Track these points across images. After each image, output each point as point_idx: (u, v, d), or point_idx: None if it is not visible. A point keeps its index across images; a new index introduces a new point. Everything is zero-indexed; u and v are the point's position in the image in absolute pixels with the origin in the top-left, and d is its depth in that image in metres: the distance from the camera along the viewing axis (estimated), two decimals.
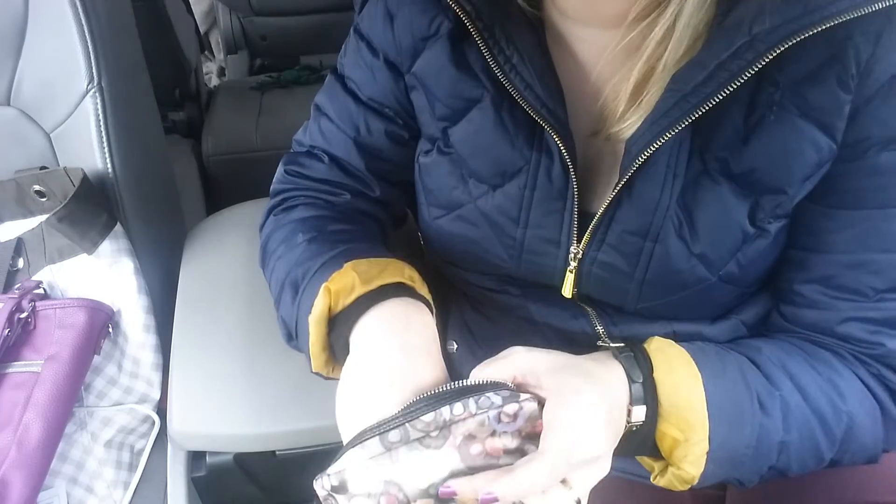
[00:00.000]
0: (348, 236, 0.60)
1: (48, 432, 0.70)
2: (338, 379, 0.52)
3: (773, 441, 0.50)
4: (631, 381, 0.49)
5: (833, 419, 0.51)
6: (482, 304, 0.68)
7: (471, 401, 0.44)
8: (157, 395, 0.83)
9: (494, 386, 0.46)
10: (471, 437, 0.45)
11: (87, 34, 0.76)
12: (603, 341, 0.58)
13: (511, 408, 0.45)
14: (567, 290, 0.58)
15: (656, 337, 0.53)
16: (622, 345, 0.52)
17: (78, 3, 0.75)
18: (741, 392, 0.50)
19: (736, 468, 0.50)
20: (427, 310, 0.54)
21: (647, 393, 0.49)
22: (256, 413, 0.67)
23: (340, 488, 0.44)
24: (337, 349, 0.53)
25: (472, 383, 0.46)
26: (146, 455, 0.81)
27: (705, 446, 0.48)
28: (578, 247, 0.55)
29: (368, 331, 0.51)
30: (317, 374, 0.56)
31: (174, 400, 0.69)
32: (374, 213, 0.66)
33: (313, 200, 0.65)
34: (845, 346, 0.54)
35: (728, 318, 0.58)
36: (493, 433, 0.45)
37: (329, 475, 0.44)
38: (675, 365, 0.50)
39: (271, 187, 0.69)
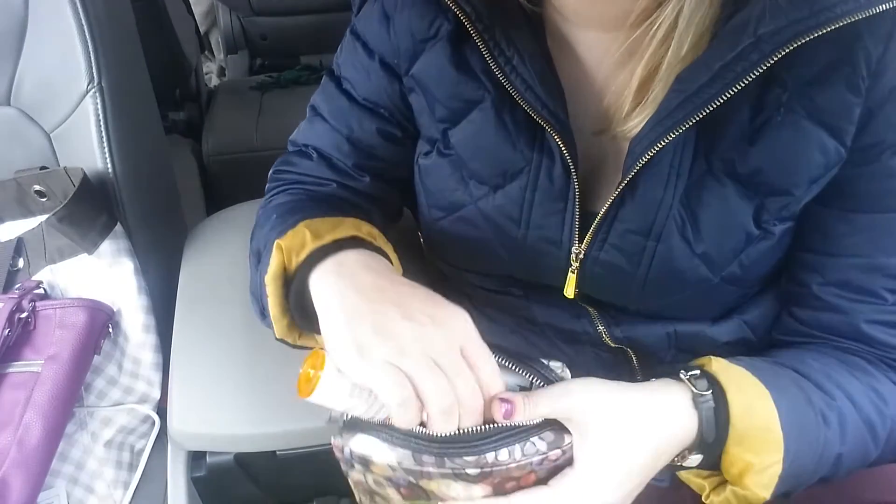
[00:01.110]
0: (324, 207, 0.59)
1: (48, 432, 0.70)
2: (307, 347, 0.52)
3: (832, 454, 0.49)
4: (700, 405, 0.47)
5: (880, 425, 0.51)
6: (484, 305, 0.68)
7: (517, 448, 0.43)
8: (157, 394, 0.83)
9: (539, 428, 0.44)
10: (509, 478, 0.44)
11: (87, 34, 0.76)
12: (606, 341, 0.58)
13: (555, 454, 0.44)
14: (569, 291, 0.58)
15: (712, 357, 0.51)
16: (688, 368, 0.49)
17: (78, 3, 0.75)
18: (805, 407, 0.48)
19: (798, 485, 0.49)
20: (386, 260, 0.52)
21: (719, 416, 0.47)
22: (257, 413, 0.67)
23: (362, 461, 0.45)
24: (296, 312, 0.52)
25: (519, 426, 0.44)
26: (146, 455, 0.81)
27: (779, 468, 0.47)
28: (580, 247, 0.55)
29: (324, 281, 0.48)
30: (281, 341, 0.55)
31: (174, 400, 0.69)
32: (360, 203, 0.64)
33: (296, 189, 0.65)
34: (869, 349, 0.54)
35: (730, 318, 0.58)
36: (531, 472, 0.44)
37: (352, 451, 0.44)
38: (743, 385, 0.48)
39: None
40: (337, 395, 0.44)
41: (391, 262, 0.53)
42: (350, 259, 0.49)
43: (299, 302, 0.51)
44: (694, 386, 0.47)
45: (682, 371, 0.49)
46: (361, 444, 0.45)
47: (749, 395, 0.47)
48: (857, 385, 0.51)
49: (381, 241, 0.54)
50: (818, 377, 0.50)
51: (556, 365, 0.49)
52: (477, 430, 0.44)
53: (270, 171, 0.69)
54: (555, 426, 0.45)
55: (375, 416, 0.45)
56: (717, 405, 0.47)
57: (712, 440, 0.47)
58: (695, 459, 0.48)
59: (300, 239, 0.51)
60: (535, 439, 0.44)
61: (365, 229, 0.54)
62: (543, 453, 0.43)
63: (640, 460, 0.45)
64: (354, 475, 0.46)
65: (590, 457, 0.44)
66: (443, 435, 0.43)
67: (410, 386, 0.42)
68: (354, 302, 0.45)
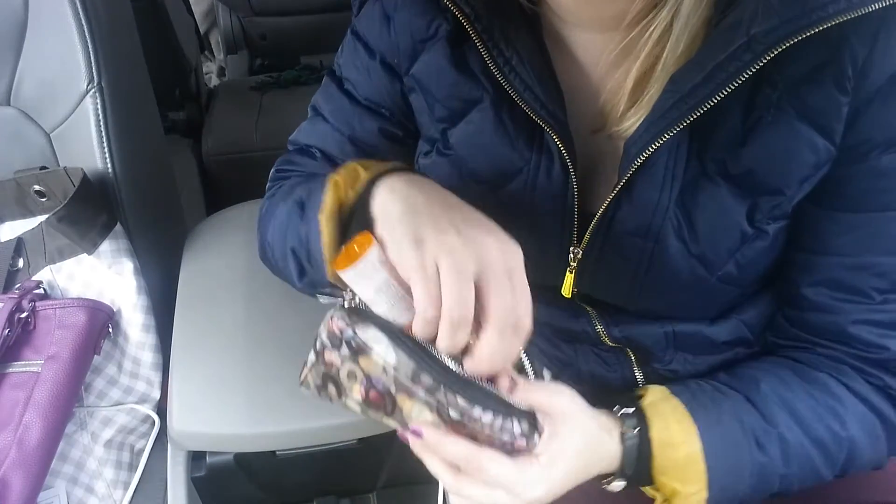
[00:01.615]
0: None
1: (48, 432, 0.70)
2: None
3: (773, 475, 0.52)
4: (625, 442, 0.51)
5: (833, 446, 0.52)
6: None
7: (500, 418, 0.46)
8: (157, 395, 0.83)
9: (523, 413, 0.47)
10: (474, 440, 0.46)
11: (87, 34, 0.76)
12: (602, 340, 0.58)
13: (520, 442, 0.46)
14: (567, 290, 0.58)
15: (651, 388, 0.55)
16: (624, 402, 0.54)
17: (78, 3, 0.75)
18: (738, 438, 0.52)
19: (738, 502, 0.52)
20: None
21: (642, 451, 0.51)
22: (256, 413, 0.67)
23: (356, 349, 0.45)
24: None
25: (511, 402, 0.47)
26: (146, 455, 0.81)
27: (704, 494, 0.51)
28: (578, 247, 0.55)
29: (388, 187, 0.47)
30: (334, 285, 0.53)
31: (174, 400, 0.69)
32: None
33: (299, 178, 0.64)
34: (850, 352, 0.54)
35: (728, 317, 0.58)
36: (493, 445, 0.47)
37: (355, 335, 0.45)
38: (670, 421, 0.52)
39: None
40: (368, 281, 0.44)
41: None
42: (413, 176, 0.48)
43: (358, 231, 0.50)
44: (623, 423, 0.52)
45: (616, 406, 0.53)
46: (370, 334, 0.45)
47: (672, 431, 0.52)
48: (811, 407, 0.53)
49: None
50: (766, 404, 0.53)
51: (547, 374, 0.53)
52: (481, 382, 0.46)
53: (272, 171, 0.69)
54: (533, 421, 0.47)
55: (393, 320, 0.46)
56: (641, 441, 0.52)
57: (632, 472, 0.52)
58: (618, 485, 0.53)
59: (354, 174, 0.49)
60: (515, 420, 0.46)
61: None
62: (513, 436, 0.46)
63: (575, 471, 0.49)
64: (331, 356, 0.46)
65: (553, 453, 0.47)
66: (452, 367, 0.45)
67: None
68: (420, 201, 0.45)
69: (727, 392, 0.54)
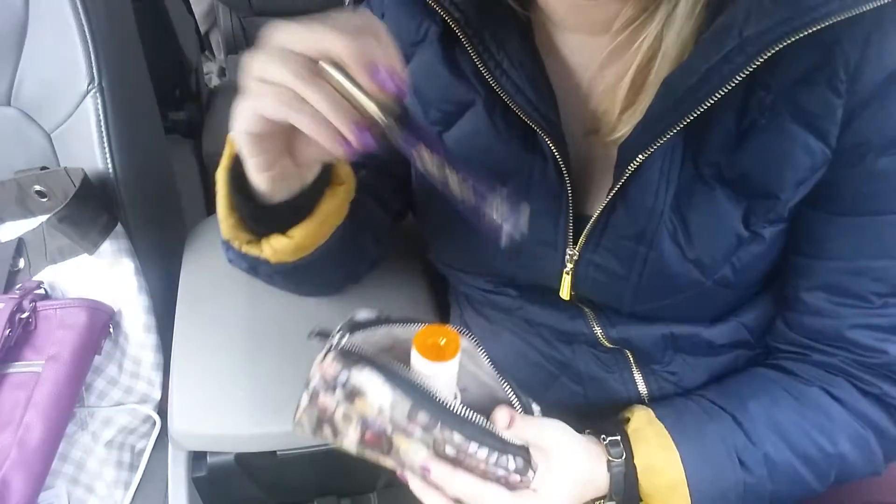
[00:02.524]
0: None
1: (49, 432, 0.70)
2: (252, 256, 0.53)
3: (763, 492, 0.53)
4: (612, 469, 0.53)
5: (823, 462, 0.53)
6: (481, 305, 0.68)
7: (495, 454, 0.46)
8: (157, 395, 0.83)
9: (518, 449, 0.48)
10: (469, 469, 0.47)
11: (87, 34, 0.76)
12: (601, 341, 0.58)
13: (514, 478, 0.47)
14: (564, 292, 0.58)
15: (637, 412, 0.56)
16: (609, 430, 0.55)
17: (78, 3, 0.75)
18: (722, 460, 0.52)
19: None
20: None
21: (628, 477, 0.53)
22: (257, 413, 0.67)
23: (350, 392, 0.45)
24: (246, 211, 0.51)
25: (505, 438, 0.48)
26: (147, 455, 0.81)
27: None
28: (574, 249, 0.55)
29: None
30: (228, 244, 0.55)
31: (175, 400, 0.69)
32: (358, 198, 0.63)
33: None
34: (848, 357, 0.54)
35: (727, 319, 0.58)
36: (487, 478, 0.47)
37: (349, 379, 0.45)
38: (652, 446, 0.53)
39: None
40: (445, 377, 0.46)
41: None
42: None
43: (250, 201, 0.50)
44: (609, 452, 0.53)
45: (602, 435, 0.54)
46: (365, 376, 0.45)
47: (656, 457, 0.53)
48: (799, 425, 0.54)
49: None
50: (752, 423, 0.54)
51: (536, 408, 0.53)
52: (476, 418, 0.46)
53: None
54: (527, 456, 0.48)
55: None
56: (627, 468, 0.53)
57: (622, 496, 0.53)
58: None
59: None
60: (510, 456, 0.47)
61: None
62: (508, 471, 0.47)
63: (570, 500, 0.51)
64: (325, 399, 0.46)
65: (550, 486, 0.49)
66: (448, 405, 0.45)
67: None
68: None
69: (713, 413, 0.55)
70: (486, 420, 0.47)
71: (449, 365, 0.45)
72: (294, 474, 0.74)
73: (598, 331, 0.60)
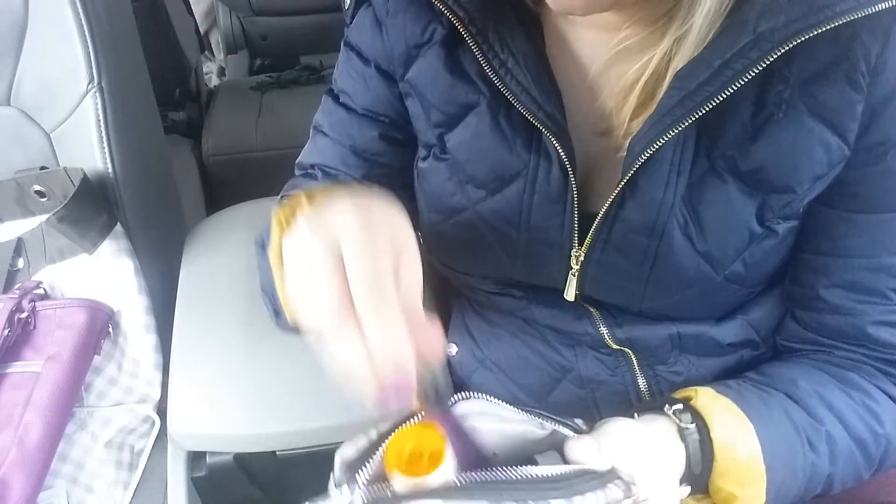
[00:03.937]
0: None
1: (48, 432, 0.70)
2: None
3: (821, 475, 0.51)
4: (687, 438, 0.47)
5: (873, 444, 0.52)
6: (484, 307, 0.68)
7: (601, 493, 0.40)
8: (157, 395, 0.83)
9: (610, 474, 0.42)
10: None
11: (87, 34, 0.76)
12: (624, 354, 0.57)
13: (629, 502, 0.42)
14: (570, 294, 0.57)
15: (699, 389, 0.51)
16: (672, 401, 0.50)
17: (78, 3, 0.75)
18: (791, 435, 0.50)
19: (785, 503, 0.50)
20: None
21: (704, 451, 0.48)
22: (256, 413, 0.67)
23: None
24: None
25: (598, 470, 0.42)
26: (146, 455, 0.81)
27: (763, 499, 0.48)
28: (580, 249, 0.55)
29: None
30: (294, 329, 0.48)
31: (174, 400, 0.69)
32: None
33: None
34: (869, 354, 0.54)
35: (734, 318, 0.58)
36: None
37: None
38: (727, 418, 0.49)
39: None
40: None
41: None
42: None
43: None
44: (679, 419, 0.48)
45: (665, 405, 0.49)
46: None
47: (732, 429, 0.48)
48: (850, 405, 0.52)
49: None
50: (809, 401, 0.51)
51: (579, 421, 0.47)
52: (558, 472, 0.41)
53: (279, 198, 0.66)
54: (617, 474, 0.43)
55: None
56: (702, 438, 0.48)
57: (699, 472, 0.48)
58: (684, 491, 0.49)
59: (296, 203, 0.45)
60: (611, 485, 0.41)
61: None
62: (621, 499, 0.41)
63: (674, 479, 0.47)
64: None
65: (656, 486, 0.44)
66: (522, 476, 0.39)
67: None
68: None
69: (769, 391, 0.52)
70: (562, 467, 0.41)
71: (447, 466, 0.38)
72: (294, 474, 0.74)
73: (604, 331, 0.60)
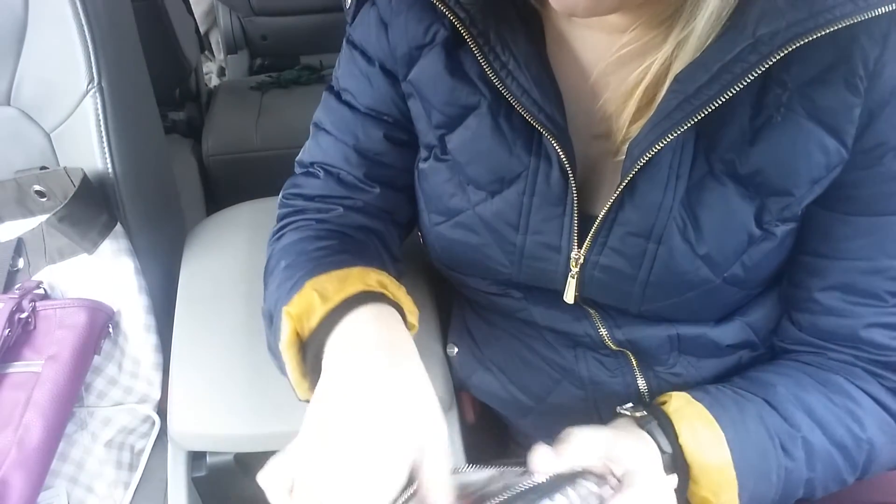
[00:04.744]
0: (328, 252, 0.56)
1: (48, 432, 0.70)
2: None
3: (799, 480, 0.51)
4: (661, 451, 0.49)
5: (854, 448, 0.52)
6: (484, 308, 0.68)
7: (570, 491, 0.42)
8: (157, 395, 0.83)
9: (581, 473, 0.44)
10: None
11: (87, 34, 0.76)
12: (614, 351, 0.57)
13: (606, 491, 0.44)
14: (569, 296, 0.57)
15: (673, 394, 0.53)
16: (643, 413, 0.52)
17: (78, 3, 0.75)
18: (764, 441, 0.51)
19: None
20: (397, 314, 0.50)
21: (677, 460, 0.49)
22: (257, 413, 0.67)
23: None
24: (315, 375, 0.50)
25: (562, 472, 0.44)
26: (146, 455, 0.81)
27: (736, 503, 0.50)
28: (580, 251, 0.55)
29: (334, 353, 0.47)
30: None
31: (174, 400, 0.69)
32: (369, 224, 0.63)
33: (302, 223, 0.62)
34: (862, 355, 0.54)
35: (732, 319, 0.58)
36: None
37: None
38: (697, 427, 0.50)
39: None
40: None
41: (403, 313, 0.51)
42: (360, 328, 0.48)
43: (317, 365, 0.49)
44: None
45: (640, 419, 0.51)
46: None
47: (701, 438, 0.50)
48: (831, 409, 0.52)
49: (391, 286, 0.52)
50: (786, 406, 0.52)
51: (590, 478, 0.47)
52: (520, 486, 0.42)
53: (280, 196, 0.67)
54: (589, 471, 0.45)
55: None
56: (674, 448, 0.50)
57: (676, 476, 0.50)
58: (672, 479, 0.50)
59: (308, 304, 0.49)
60: (582, 481, 0.43)
61: (373, 278, 0.51)
62: (596, 492, 0.43)
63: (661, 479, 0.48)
64: None
65: (643, 478, 0.46)
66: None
67: None
68: (358, 390, 0.44)
69: (747, 396, 0.53)
70: (531, 481, 0.43)
71: None
72: None
73: (603, 332, 0.60)
